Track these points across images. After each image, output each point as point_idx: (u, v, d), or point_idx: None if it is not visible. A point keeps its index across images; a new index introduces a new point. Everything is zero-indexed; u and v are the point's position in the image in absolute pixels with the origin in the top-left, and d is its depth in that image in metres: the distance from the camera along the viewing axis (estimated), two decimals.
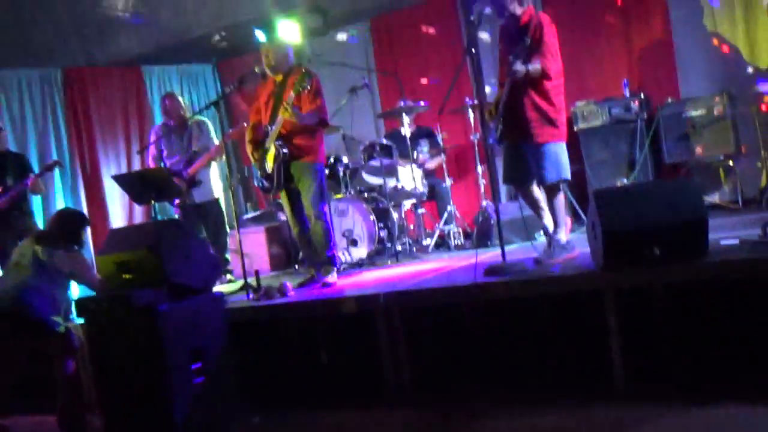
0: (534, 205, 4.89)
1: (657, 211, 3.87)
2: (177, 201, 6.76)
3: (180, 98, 7.13)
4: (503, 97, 4.66)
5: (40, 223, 7.34)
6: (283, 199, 5.69)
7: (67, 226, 4.98)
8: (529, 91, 4.61)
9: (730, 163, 6.50)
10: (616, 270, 3.89)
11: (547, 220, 4.83)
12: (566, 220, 5.05)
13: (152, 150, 7.02)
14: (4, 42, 9.16)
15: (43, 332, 4.71)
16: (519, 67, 4.50)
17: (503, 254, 4.55)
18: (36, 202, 7.39)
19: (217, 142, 6.82)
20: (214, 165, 6.99)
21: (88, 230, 7.53)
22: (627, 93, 6.90)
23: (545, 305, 4.19)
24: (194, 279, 4.42)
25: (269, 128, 5.48)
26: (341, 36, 8.54)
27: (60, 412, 4.77)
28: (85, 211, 8.14)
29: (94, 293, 4.83)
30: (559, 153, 4.70)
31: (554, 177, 4.68)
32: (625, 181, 6.64)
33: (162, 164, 6.89)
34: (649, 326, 3.91)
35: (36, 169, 7.26)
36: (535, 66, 4.54)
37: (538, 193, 4.84)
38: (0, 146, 6.86)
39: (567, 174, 4.74)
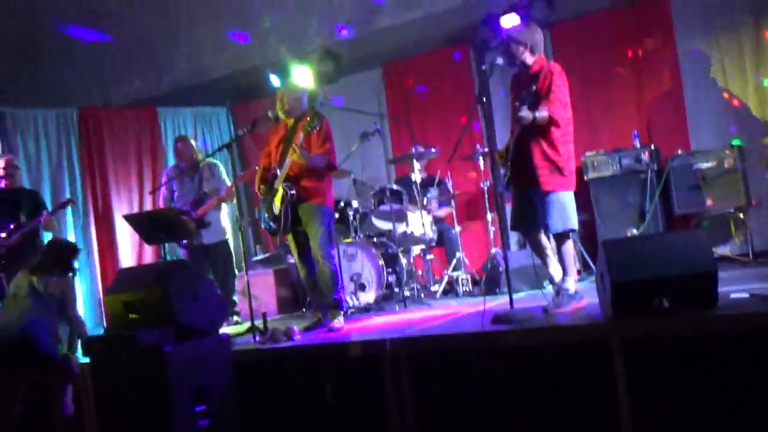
0: (541, 253, 4.89)
1: (666, 263, 3.85)
2: (185, 242, 6.78)
3: (192, 141, 7.22)
4: (512, 144, 4.70)
5: None
6: (291, 241, 5.70)
7: (59, 255, 5.04)
8: (537, 138, 4.63)
9: (741, 215, 6.49)
10: (624, 320, 3.87)
11: (554, 268, 4.81)
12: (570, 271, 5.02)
13: (163, 191, 7.09)
14: (22, 82, 9.34)
15: (47, 363, 4.71)
16: (524, 113, 4.53)
17: (511, 302, 4.53)
18: (48, 238, 7.42)
19: (228, 183, 6.87)
20: (224, 207, 7.03)
21: (77, 259, 7.60)
22: (638, 144, 6.93)
23: (552, 354, 4.16)
24: (201, 320, 4.42)
25: (278, 170, 5.53)
26: (353, 81, 8.63)
27: None
28: (95, 249, 8.20)
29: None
30: (566, 202, 4.69)
31: (560, 227, 4.67)
32: (635, 231, 6.63)
33: (172, 205, 6.95)
34: (657, 378, 3.86)
35: (49, 206, 7.32)
36: (542, 113, 4.56)
37: (546, 241, 4.84)
38: (14, 183, 6.93)
39: (574, 224, 4.72)
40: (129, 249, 8.38)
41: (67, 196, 7.93)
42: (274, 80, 7.83)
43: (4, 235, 6.66)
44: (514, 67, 4.96)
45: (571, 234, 4.81)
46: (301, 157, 5.34)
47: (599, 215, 6.88)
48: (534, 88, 4.57)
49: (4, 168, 6.86)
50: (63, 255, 5.05)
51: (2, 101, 7.91)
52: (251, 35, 8.11)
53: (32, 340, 4.65)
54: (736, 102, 7.00)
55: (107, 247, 8.31)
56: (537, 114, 4.55)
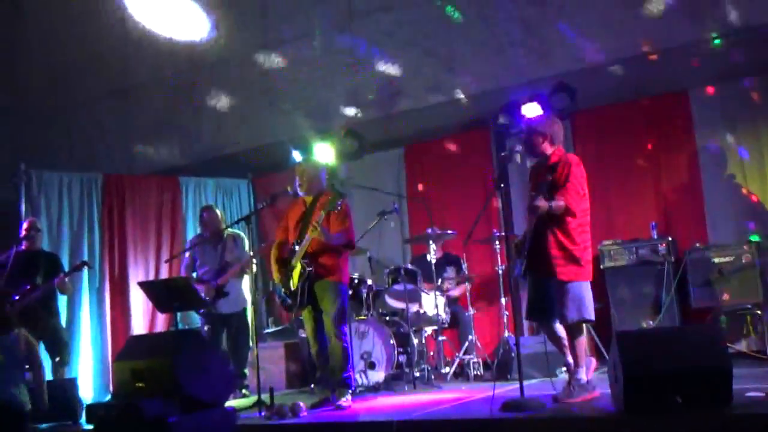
0: (557, 341, 4.85)
1: (681, 357, 3.80)
2: (203, 310, 6.79)
3: (218, 211, 7.30)
4: (528, 233, 4.71)
5: (64, 322, 7.40)
6: (305, 317, 5.70)
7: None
8: (554, 228, 4.65)
9: (758, 311, 6.40)
10: (635, 415, 3.79)
11: (570, 357, 4.77)
12: (591, 360, 4.96)
13: (186, 259, 7.15)
14: (50, 145, 9.55)
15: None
16: (539, 202, 4.56)
17: (521, 389, 4.46)
18: (62, 301, 7.46)
19: (251, 254, 6.91)
20: (246, 278, 7.05)
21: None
22: (655, 235, 6.92)
23: None
24: (208, 392, 4.40)
25: (296, 246, 5.56)
26: (374, 159, 8.74)
27: None
28: (108, 314, 8.20)
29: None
30: (582, 292, 4.67)
31: (575, 316, 4.64)
32: (651, 323, 6.56)
33: (194, 273, 6.99)
34: None
35: (67, 269, 7.38)
36: (557, 203, 4.58)
37: (561, 329, 4.79)
38: (34, 245, 7.02)
39: (589, 314, 4.69)
40: (141, 316, 8.37)
41: (86, 259, 7.99)
42: (296, 156, 7.95)
43: (17, 297, 6.70)
44: (533, 157, 5.01)
45: (584, 325, 4.77)
46: (321, 234, 5.39)
47: (614, 305, 6.82)
48: (550, 177, 4.61)
49: (26, 230, 6.97)
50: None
51: (29, 163, 8.06)
52: (275, 110, 8.28)
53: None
54: (754, 198, 7.01)
55: (120, 312, 8.31)
56: (552, 203, 4.57)
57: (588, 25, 6.62)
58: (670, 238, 6.84)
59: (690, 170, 7.30)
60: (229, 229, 7.18)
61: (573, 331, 4.72)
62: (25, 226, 7.04)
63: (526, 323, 7.33)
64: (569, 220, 4.63)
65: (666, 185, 7.44)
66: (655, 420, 3.74)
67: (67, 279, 6.97)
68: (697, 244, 6.75)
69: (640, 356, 3.85)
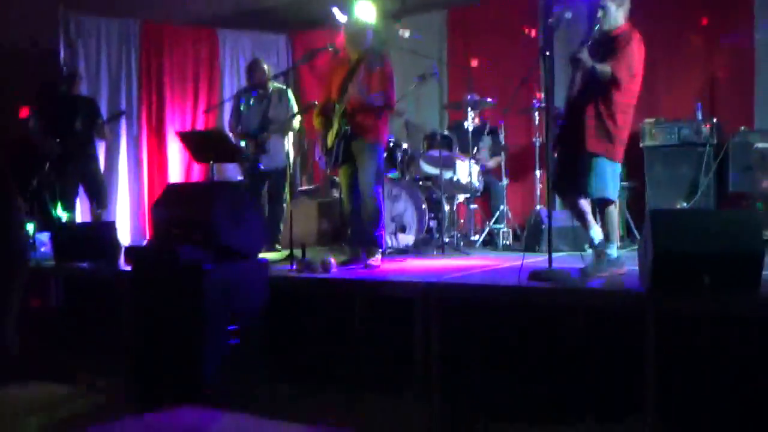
0: (580, 216, 4.76)
1: (713, 239, 3.77)
2: (245, 165, 6.84)
3: (265, 66, 7.13)
4: (571, 98, 4.58)
5: (102, 168, 7.54)
6: (341, 175, 5.75)
7: None
8: (597, 97, 4.50)
9: None
10: (662, 292, 3.82)
11: (595, 231, 4.71)
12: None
13: (232, 110, 7.11)
14: None
15: None
16: (584, 55, 4.38)
17: (550, 261, 4.50)
18: (100, 147, 7.57)
19: (295, 109, 6.87)
20: (290, 135, 7.03)
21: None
22: (699, 116, 6.74)
23: (585, 318, 4.14)
24: (242, 243, 4.49)
25: (336, 105, 5.53)
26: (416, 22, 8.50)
27: None
28: (145, 162, 8.33)
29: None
30: (608, 171, 4.55)
31: (597, 193, 4.56)
32: (685, 204, 6.51)
33: (238, 126, 6.98)
34: (687, 359, 3.83)
35: (105, 115, 7.44)
36: (604, 66, 4.40)
37: (586, 204, 4.73)
38: (74, 91, 7.05)
39: (612, 194, 4.59)
40: (178, 165, 8.50)
41: (123, 106, 8.04)
42: (337, 13, 7.75)
43: (59, 139, 6.81)
44: (598, 29, 4.72)
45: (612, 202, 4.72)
46: (360, 94, 5.33)
47: (650, 184, 6.75)
48: (608, 43, 4.42)
49: (68, 75, 7.01)
50: None
51: (67, 6, 7.97)
52: None
53: None
54: None
55: (157, 161, 8.45)
56: (598, 65, 4.39)
57: None
58: (714, 120, 6.67)
59: (744, 52, 7.01)
60: (276, 84, 7.09)
61: (602, 207, 4.68)
62: (66, 72, 7.07)
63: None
64: (615, 93, 4.47)
65: (717, 65, 7.18)
66: (682, 298, 3.77)
67: (106, 127, 7.04)
68: (742, 128, 6.58)
69: (672, 234, 3.82)
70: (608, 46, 4.49)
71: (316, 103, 6.19)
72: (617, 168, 4.64)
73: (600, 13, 4.57)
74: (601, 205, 4.67)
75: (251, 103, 6.98)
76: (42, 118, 6.82)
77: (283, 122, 6.76)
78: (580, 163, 4.56)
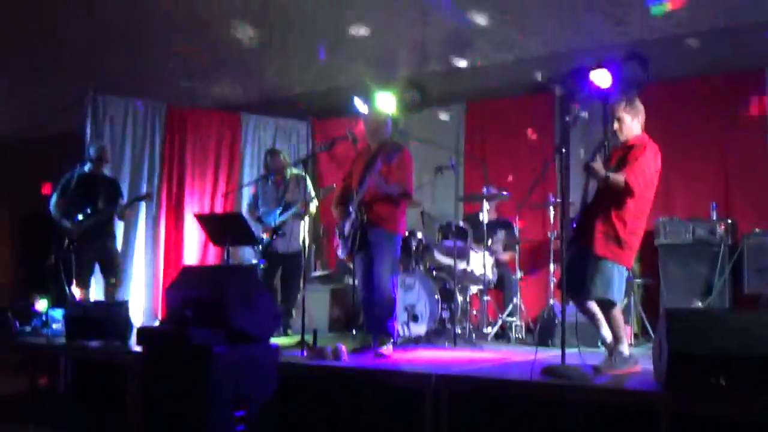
0: (591, 316, 4.76)
1: (729, 341, 3.74)
2: (262, 247, 6.90)
3: (283, 156, 7.35)
4: (584, 194, 4.63)
5: (119, 246, 7.60)
6: (356, 263, 5.77)
7: None
8: (609, 203, 4.54)
9: None
10: (677, 393, 3.77)
11: (606, 331, 4.70)
12: (627, 328, 4.90)
13: (250, 197, 7.27)
14: (117, 70, 9.67)
15: None
16: (597, 164, 4.44)
17: (563, 356, 4.46)
18: (119, 226, 7.65)
19: (313, 194, 6.99)
20: (306, 220, 7.11)
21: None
22: (714, 216, 6.77)
23: (598, 416, 4.07)
24: (254, 327, 4.48)
25: (355, 193, 5.61)
26: (435, 114, 8.69)
27: None
28: (162, 243, 8.40)
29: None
30: (614, 274, 4.55)
31: (600, 294, 4.54)
32: (699, 304, 6.47)
33: (256, 211, 7.11)
34: None
35: (125, 194, 7.56)
36: (617, 176, 4.45)
37: (593, 304, 4.71)
38: (98, 170, 7.20)
39: (614, 296, 4.58)
40: (195, 246, 8.56)
41: (145, 187, 8.17)
42: (358, 103, 7.95)
43: (80, 217, 6.91)
44: (615, 139, 4.81)
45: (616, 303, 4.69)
46: (378, 184, 5.42)
47: (665, 282, 6.73)
48: (623, 151, 4.50)
49: (97, 155, 7.18)
50: None
51: (97, 86, 8.21)
52: (340, 56, 8.26)
53: None
54: None
55: (174, 242, 8.51)
56: (612, 175, 4.45)
57: None
58: (729, 221, 6.69)
59: (758, 152, 7.09)
60: (294, 170, 7.23)
61: (605, 308, 4.66)
62: (95, 150, 7.23)
63: None
64: (628, 200, 4.51)
65: (731, 165, 7.25)
66: (697, 400, 3.71)
67: (128, 208, 7.16)
68: (757, 230, 6.60)
69: (687, 335, 3.79)
70: (624, 154, 4.56)
71: (335, 186, 6.27)
72: (624, 272, 4.65)
73: (615, 124, 4.67)
74: (605, 307, 4.65)
75: (269, 187, 7.12)
76: (64, 195, 6.92)
77: (301, 206, 6.83)
78: (587, 264, 4.56)
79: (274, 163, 7.22)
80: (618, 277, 4.59)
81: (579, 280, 4.59)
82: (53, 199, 7.03)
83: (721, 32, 6.37)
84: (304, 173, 7.13)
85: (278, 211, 6.96)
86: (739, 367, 3.67)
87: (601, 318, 4.68)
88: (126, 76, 9.62)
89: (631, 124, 4.67)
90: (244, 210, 7.30)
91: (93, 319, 6.11)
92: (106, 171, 7.52)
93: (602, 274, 4.52)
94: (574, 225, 4.81)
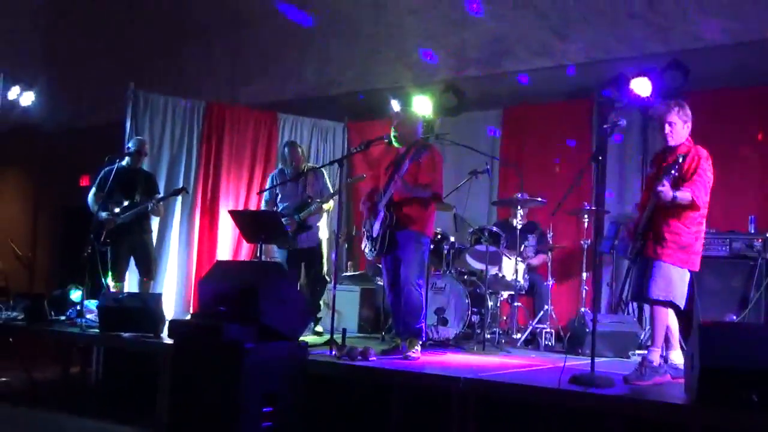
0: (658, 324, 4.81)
1: (763, 356, 3.69)
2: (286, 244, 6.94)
3: (300, 148, 7.35)
4: (647, 212, 4.64)
5: (154, 241, 7.70)
6: (385, 264, 5.77)
7: None
8: (672, 214, 4.60)
9: None
10: (707, 407, 3.72)
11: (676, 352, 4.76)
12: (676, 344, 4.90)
13: (267, 195, 7.25)
14: (159, 68, 9.83)
15: None
16: (665, 188, 4.45)
17: (593, 365, 4.43)
18: (155, 220, 7.74)
19: (331, 190, 7.00)
20: (325, 215, 7.16)
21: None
22: (752, 229, 6.67)
23: (625, 427, 4.04)
24: (284, 325, 4.52)
25: (383, 193, 5.62)
26: (472, 118, 8.66)
27: None
28: (196, 238, 8.49)
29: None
30: (675, 277, 4.60)
31: (659, 295, 4.56)
32: (734, 317, 6.38)
33: (275, 208, 7.12)
34: None
35: (162, 190, 7.65)
36: (684, 194, 4.51)
37: (663, 312, 4.73)
38: (136, 164, 7.29)
39: (676, 299, 4.60)
40: (227, 243, 8.63)
41: (181, 183, 8.25)
42: (395, 105, 7.96)
43: (117, 210, 7.01)
44: (666, 143, 4.82)
45: (669, 308, 4.69)
46: (404, 185, 5.42)
47: (699, 295, 6.63)
48: (680, 167, 4.50)
49: (137, 149, 7.27)
50: None
51: (138, 83, 8.33)
52: (380, 58, 8.29)
53: None
54: None
55: (207, 238, 8.59)
56: (678, 194, 4.49)
57: (712, 4, 6.36)
58: (767, 234, 6.58)
59: None
60: (308, 164, 7.25)
61: (655, 310, 4.66)
62: (135, 144, 7.32)
63: (604, 300, 7.23)
64: (690, 212, 4.58)
65: None
66: (727, 415, 3.66)
67: (161, 203, 7.24)
68: None
69: (720, 348, 3.75)
70: (678, 163, 4.54)
71: (364, 176, 6.26)
72: (686, 275, 4.65)
73: (667, 128, 4.68)
74: (654, 309, 4.66)
75: (287, 184, 7.10)
76: (102, 188, 7.02)
77: (323, 199, 6.87)
78: (652, 269, 4.59)
79: (293, 154, 7.17)
80: (680, 280, 4.66)
81: (639, 284, 4.69)
82: (92, 192, 7.13)
83: (763, 43, 6.27)
84: (317, 166, 7.17)
85: (298, 206, 6.94)
86: None
87: (675, 332, 4.76)
88: (167, 72, 9.78)
89: (682, 129, 4.72)
90: (263, 206, 7.27)
91: (127, 311, 6.20)
92: (144, 165, 7.62)
93: (663, 276, 4.60)
94: (631, 232, 4.83)
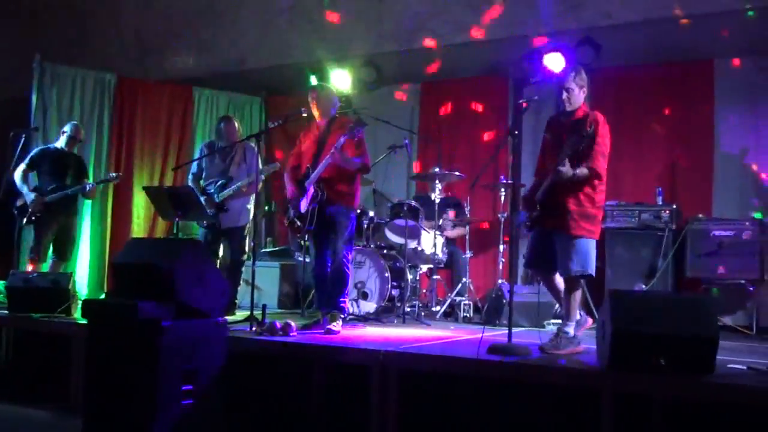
0: (557, 294, 4.89)
1: (670, 322, 3.84)
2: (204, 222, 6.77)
3: (236, 123, 6.96)
4: (546, 184, 4.67)
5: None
6: (312, 239, 5.76)
7: None
8: (575, 185, 4.63)
9: (751, 288, 6.46)
10: (619, 372, 3.86)
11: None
12: (587, 319, 5.01)
13: (194, 167, 6.97)
14: (67, 40, 9.46)
15: None
16: (565, 168, 4.50)
17: (510, 335, 4.53)
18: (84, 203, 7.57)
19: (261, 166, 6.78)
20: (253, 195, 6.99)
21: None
22: (659, 201, 6.93)
23: (541, 394, 4.15)
24: (202, 302, 4.44)
25: (311, 171, 5.58)
26: (389, 93, 8.68)
27: None
28: (110, 215, 8.27)
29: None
30: (589, 249, 4.68)
31: (578, 269, 4.65)
32: (643, 286, 6.62)
33: (199, 183, 6.87)
34: None
35: (92, 174, 7.49)
36: (582, 170, 4.54)
37: (561, 282, 4.82)
38: (69, 148, 7.14)
39: (591, 269, 4.70)
40: (142, 220, 8.44)
41: (93, 158, 8.04)
42: (313, 80, 7.89)
43: (48, 190, 6.86)
44: (562, 108, 4.87)
45: (582, 281, 4.80)
46: (342, 160, 5.41)
47: (610, 265, 6.87)
48: (581, 134, 4.56)
49: (72, 133, 7.13)
50: None
51: (44, 56, 8.01)
52: (296, 32, 8.19)
53: None
54: (763, 176, 7.00)
55: (122, 215, 8.38)
56: (577, 171, 4.53)
57: None
58: (674, 206, 6.84)
59: (703, 140, 7.27)
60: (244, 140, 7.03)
61: (571, 285, 4.75)
62: (71, 129, 7.14)
63: (520, 272, 7.38)
64: (594, 181, 4.64)
65: (677, 153, 7.42)
66: (638, 379, 3.81)
67: (96, 186, 7.12)
68: (700, 215, 6.77)
69: (630, 315, 3.88)
70: (574, 128, 4.60)
71: (278, 166, 6.20)
72: (595, 244, 4.75)
73: (564, 95, 4.74)
74: (570, 284, 4.74)
75: (214, 159, 6.85)
76: (32, 167, 6.87)
77: (244, 183, 6.66)
78: (560, 244, 4.65)
79: (228, 130, 6.82)
80: (592, 251, 4.71)
81: (551, 258, 4.70)
82: (20, 168, 6.92)
83: (672, 21, 6.47)
84: (252, 144, 6.89)
85: (220, 184, 6.72)
86: (679, 347, 3.77)
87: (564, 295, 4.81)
88: (75, 45, 9.42)
89: (579, 94, 4.76)
90: (189, 179, 7.02)
91: (36, 291, 6.02)
92: (51, 138, 7.41)
93: (579, 250, 4.62)
94: (525, 195, 4.88)
